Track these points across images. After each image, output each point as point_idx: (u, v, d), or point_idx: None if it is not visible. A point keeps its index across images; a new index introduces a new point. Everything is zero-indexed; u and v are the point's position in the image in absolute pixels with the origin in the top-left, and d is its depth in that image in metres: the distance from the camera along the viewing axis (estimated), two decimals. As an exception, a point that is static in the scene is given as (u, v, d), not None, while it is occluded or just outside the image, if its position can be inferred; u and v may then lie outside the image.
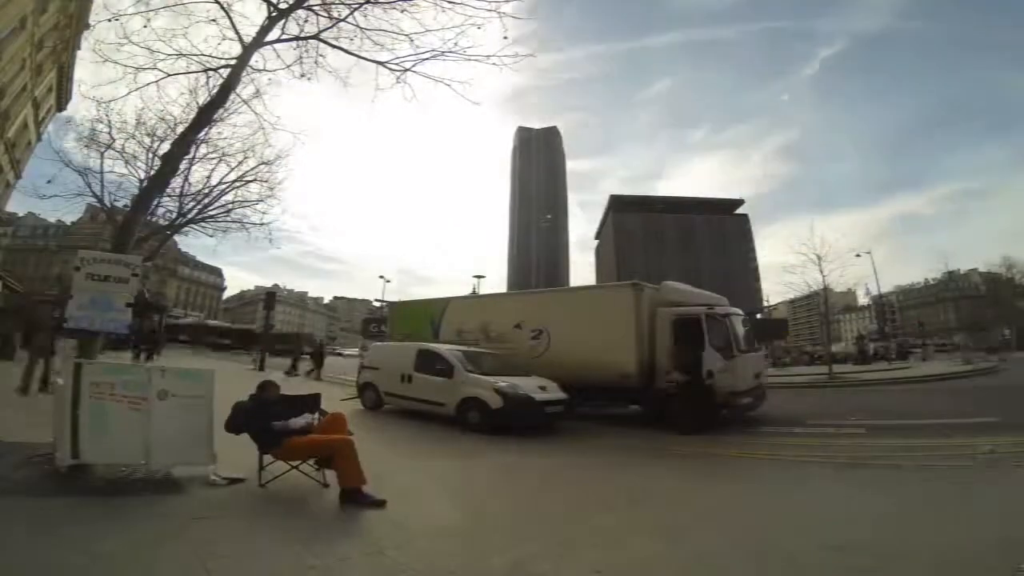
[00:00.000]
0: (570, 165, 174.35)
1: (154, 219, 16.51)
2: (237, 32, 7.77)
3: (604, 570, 3.20)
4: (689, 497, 5.20)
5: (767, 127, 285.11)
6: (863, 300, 66.91)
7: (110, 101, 11.61)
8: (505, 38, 7.92)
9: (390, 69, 8.21)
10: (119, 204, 16.36)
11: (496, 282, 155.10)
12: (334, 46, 8.13)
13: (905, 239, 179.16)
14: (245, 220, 17.49)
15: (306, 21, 8.01)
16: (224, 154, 16.25)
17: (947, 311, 75.43)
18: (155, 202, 14.33)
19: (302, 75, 8.35)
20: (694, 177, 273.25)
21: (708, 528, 3.88)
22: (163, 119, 14.73)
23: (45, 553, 2.95)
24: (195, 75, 9.16)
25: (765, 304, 78.70)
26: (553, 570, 3.20)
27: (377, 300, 46.01)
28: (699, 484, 5.76)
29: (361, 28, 7.91)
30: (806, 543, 3.69)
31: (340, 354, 44.04)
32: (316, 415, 4.98)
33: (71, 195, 15.63)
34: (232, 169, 16.78)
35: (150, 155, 15.29)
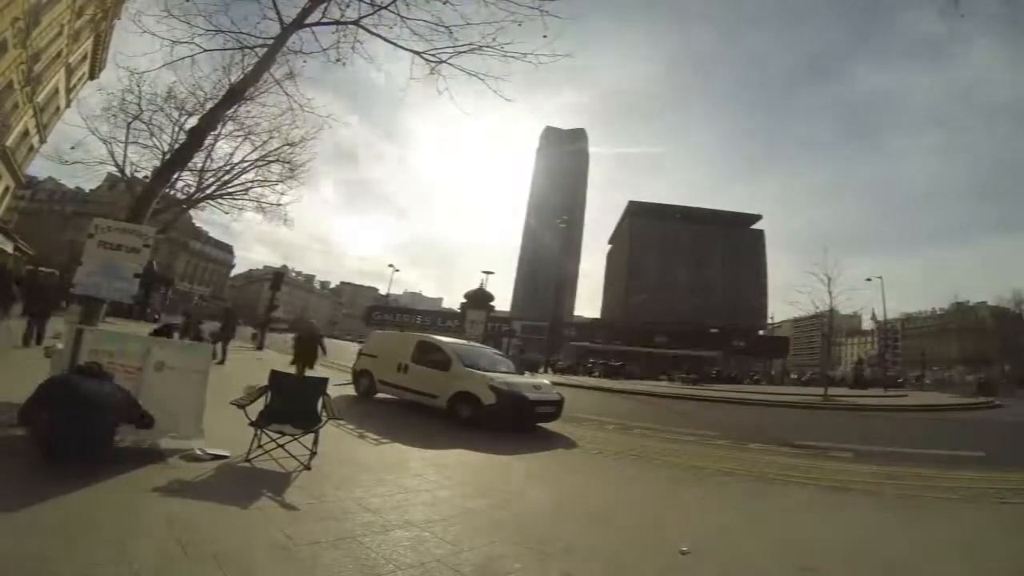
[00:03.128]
0: (593, 167, 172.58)
1: (173, 192, 16.77)
2: (278, 11, 7.88)
3: (574, 573, 3.28)
4: (662, 508, 5.25)
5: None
6: (867, 325, 66.35)
7: (143, 72, 11.88)
8: (544, 36, 7.95)
9: (426, 60, 8.28)
10: (139, 175, 16.66)
11: (507, 279, 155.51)
12: (373, 33, 8.19)
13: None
14: (263, 200, 17.76)
15: (348, 6, 8.10)
16: (250, 132, 16.51)
17: (951, 342, 74.64)
18: (176, 175, 14.61)
19: (337, 60, 8.44)
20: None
21: (680, 540, 3.92)
22: (193, 93, 15.02)
23: (17, 511, 3.01)
24: (231, 52, 9.31)
25: (770, 321, 78.44)
26: (522, 570, 3.27)
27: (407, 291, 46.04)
28: (680, 497, 5.81)
29: (403, 17, 7.98)
30: (776, 561, 3.74)
31: None
32: None
33: (93, 163, 15.94)
34: (256, 148, 17.03)
35: (176, 128, 15.56)
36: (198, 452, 4.68)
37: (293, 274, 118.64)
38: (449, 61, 8.20)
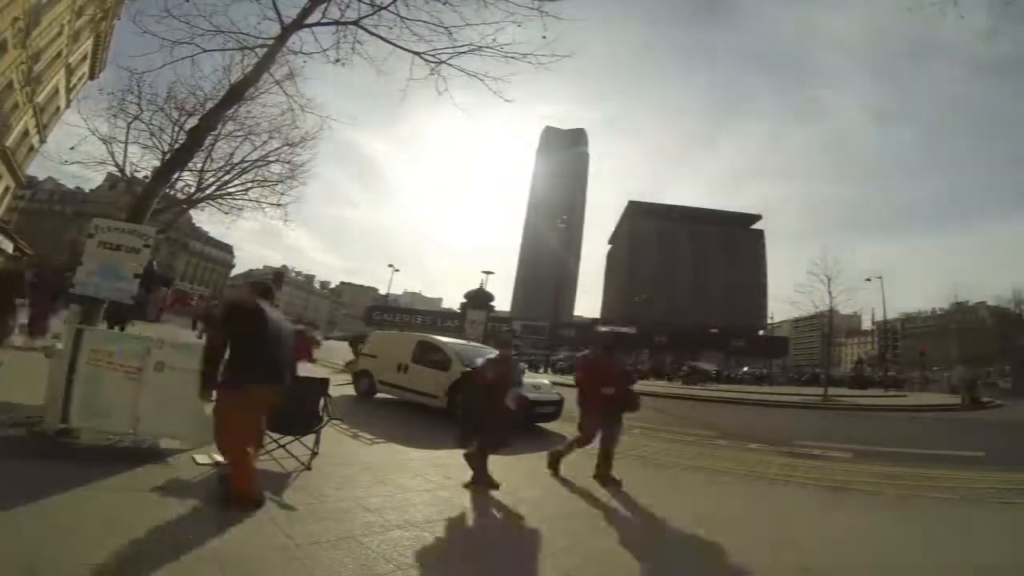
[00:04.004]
0: (593, 167, 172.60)
1: (173, 192, 16.75)
2: (278, 12, 7.90)
3: (574, 573, 3.28)
4: (661, 509, 5.25)
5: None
6: (867, 325, 66.42)
7: (143, 72, 11.89)
8: (544, 37, 7.95)
9: (426, 60, 8.30)
10: (139, 175, 16.60)
11: (506, 279, 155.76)
12: (373, 33, 8.21)
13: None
14: (263, 200, 17.77)
15: (347, 6, 8.11)
16: (250, 132, 16.50)
17: (951, 342, 74.67)
18: (176, 175, 14.62)
19: (337, 60, 8.44)
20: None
21: (679, 540, 3.93)
22: (193, 94, 15.01)
23: (17, 511, 3.01)
24: (230, 52, 9.33)
25: (770, 321, 78.49)
26: (522, 570, 3.28)
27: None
28: (679, 497, 5.81)
29: (402, 17, 8.00)
30: (775, 562, 3.75)
31: None
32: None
33: (93, 163, 15.90)
34: (256, 148, 17.02)
35: (176, 128, 15.53)
36: (198, 457, 4.64)
37: (293, 274, 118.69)
38: (449, 62, 8.22)
